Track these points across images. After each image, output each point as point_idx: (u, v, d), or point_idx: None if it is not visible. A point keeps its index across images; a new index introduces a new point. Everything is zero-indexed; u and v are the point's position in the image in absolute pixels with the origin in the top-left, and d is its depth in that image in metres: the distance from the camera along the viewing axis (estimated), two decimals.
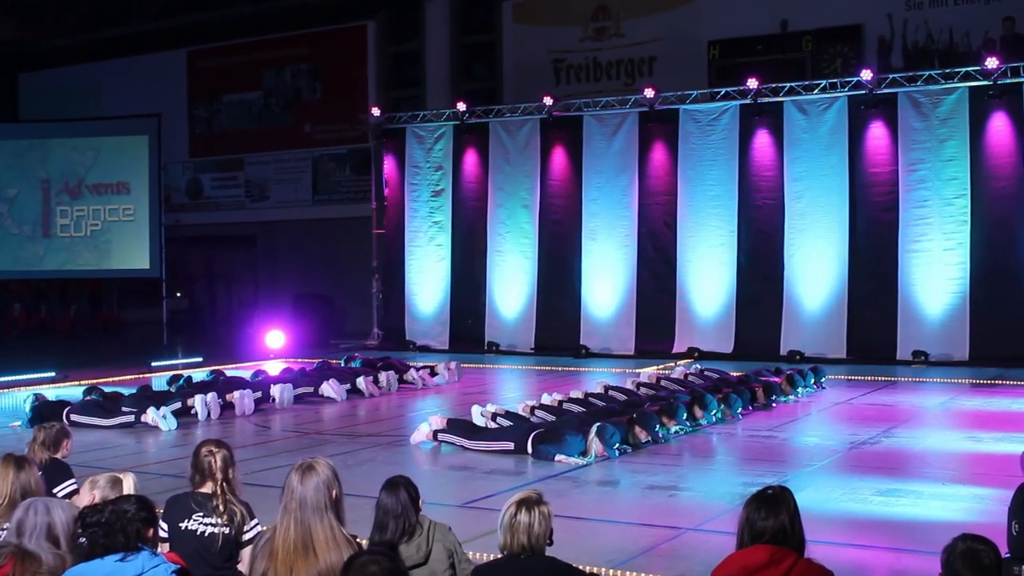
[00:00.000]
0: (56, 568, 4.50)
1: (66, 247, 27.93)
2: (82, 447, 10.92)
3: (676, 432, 12.21)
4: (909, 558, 7.33)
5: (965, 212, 19.03)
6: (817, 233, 20.16)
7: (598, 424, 11.06)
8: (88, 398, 14.41)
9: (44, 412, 13.23)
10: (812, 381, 16.00)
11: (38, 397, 14.11)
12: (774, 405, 14.50)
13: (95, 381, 16.25)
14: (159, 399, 13.99)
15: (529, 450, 11.07)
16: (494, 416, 12.51)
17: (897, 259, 19.50)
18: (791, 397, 14.99)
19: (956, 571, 3.90)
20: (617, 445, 11.06)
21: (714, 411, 13.00)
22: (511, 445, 11.29)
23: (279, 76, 30.95)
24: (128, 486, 5.52)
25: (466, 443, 11.60)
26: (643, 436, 11.53)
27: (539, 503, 4.71)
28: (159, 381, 16.75)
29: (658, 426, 11.83)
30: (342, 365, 17.90)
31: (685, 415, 12.51)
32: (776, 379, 15.20)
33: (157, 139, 27.33)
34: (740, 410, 13.54)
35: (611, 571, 6.82)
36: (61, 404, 13.85)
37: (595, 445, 10.85)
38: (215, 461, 5.47)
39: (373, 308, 25.10)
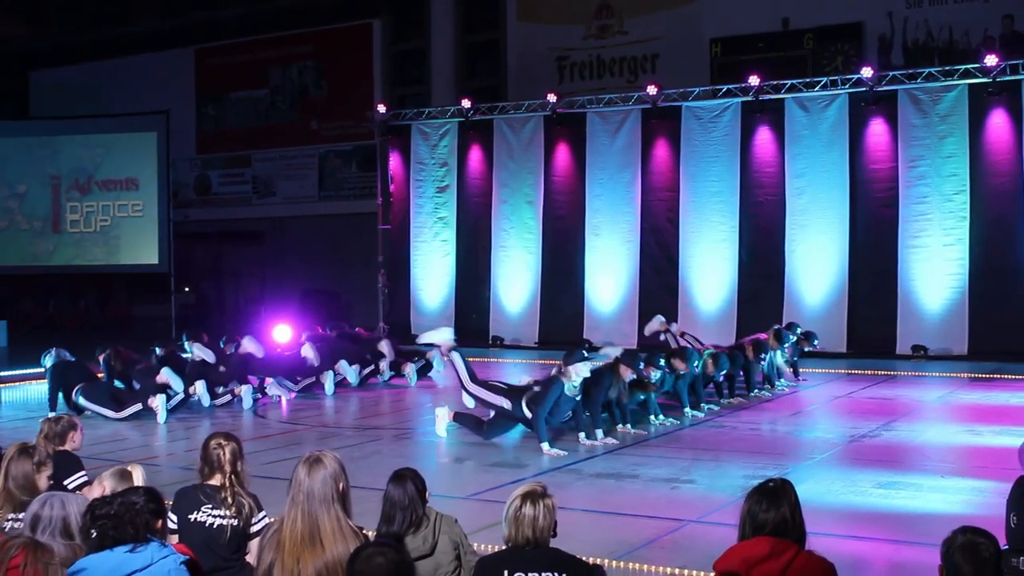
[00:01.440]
0: (69, 559, 4.51)
1: (76, 243, 28.11)
2: (91, 440, 10.96)
3: (657, 380, 12.49)
4: (909, 550, 7.41)
5: (964, 208, 19.08)
6: (818, 229, 20.22)
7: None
8: (100, 378, 14.47)
9: (61, 371, 13.57)
10: (800, 331, 16.24)
11: (58, 354, 14.06)
12: (771, 390, 15.03)
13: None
14: (177, 371, 14.03)
15: (524, 411, 11.23)
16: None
17: (897, 255, 19.55)
18: (777, 353, 15.35)
19: (956, 563, 3.92)
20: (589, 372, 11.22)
21: (696, 363, 13.25)
22: (507, 403, 11.45)
23: (285, 74, 31.04)
24: (137, 479, 5.51)
25: (468, 386, 11.94)
26: (627, 374, 11.75)
27: (543, 496, 4.72)
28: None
29: (641, 365, 12.01)
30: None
31: (663, 362, 12.74)
32: (762, 336, 15.33)
33: (165, 136, 27.48)
34: (724, 372, 13.88)
35: (614, 562, 6.86)
36: (79, 367, 13.97)
37: (573, 372, 11.00)
38: (224, 454, 5.50)
39: (379, 303, 25.17)
